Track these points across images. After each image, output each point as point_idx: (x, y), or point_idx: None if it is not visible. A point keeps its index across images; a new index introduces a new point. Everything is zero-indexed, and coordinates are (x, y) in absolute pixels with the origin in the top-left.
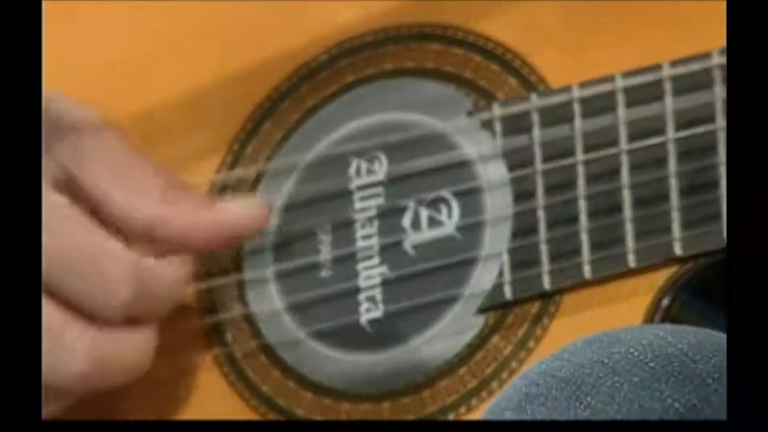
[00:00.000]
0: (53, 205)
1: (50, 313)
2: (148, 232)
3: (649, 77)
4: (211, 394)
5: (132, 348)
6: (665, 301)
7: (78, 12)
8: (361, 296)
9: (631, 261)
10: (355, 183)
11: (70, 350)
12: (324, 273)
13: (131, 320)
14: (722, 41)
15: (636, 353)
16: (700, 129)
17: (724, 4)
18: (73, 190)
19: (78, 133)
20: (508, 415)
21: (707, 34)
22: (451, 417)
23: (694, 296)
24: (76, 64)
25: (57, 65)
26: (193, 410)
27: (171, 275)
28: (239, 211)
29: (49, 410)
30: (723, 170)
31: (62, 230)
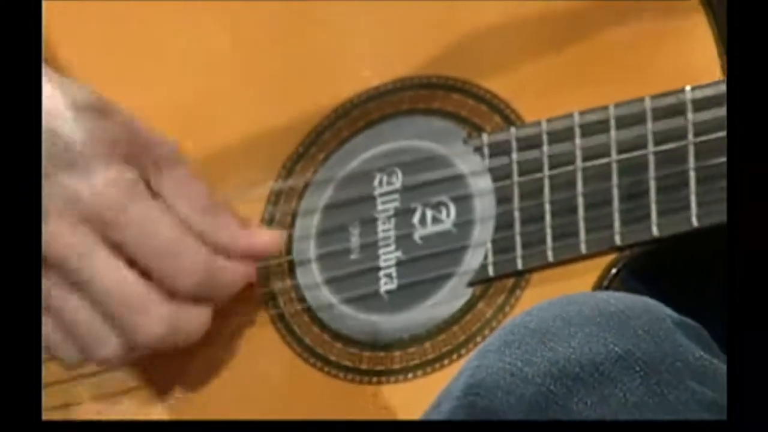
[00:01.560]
0: (143, 195)
1: (134, 281)
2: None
3: (598, 116)
4: (268, 346)
5: (197, 321)
6: (607, 279)
7: (153, 66)
8: (381, 273)
9: (583, 248)
10: (378, 191)
11: (152, 316)
12: (353, 256)
13: (197, 299)
14: (664, 87)
15: (587, 311)
16: (636, 153)
17: (669, 55)
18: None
19: (152, 148)
20: (491, 356)
21: (645, 83)
22: (446, 362)
23: (628, 275)
24: (153, 106)
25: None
26: (254, 358)
27: (233, 274)
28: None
29: (124, 360)
30: (653, 183)
31: (151, 216)
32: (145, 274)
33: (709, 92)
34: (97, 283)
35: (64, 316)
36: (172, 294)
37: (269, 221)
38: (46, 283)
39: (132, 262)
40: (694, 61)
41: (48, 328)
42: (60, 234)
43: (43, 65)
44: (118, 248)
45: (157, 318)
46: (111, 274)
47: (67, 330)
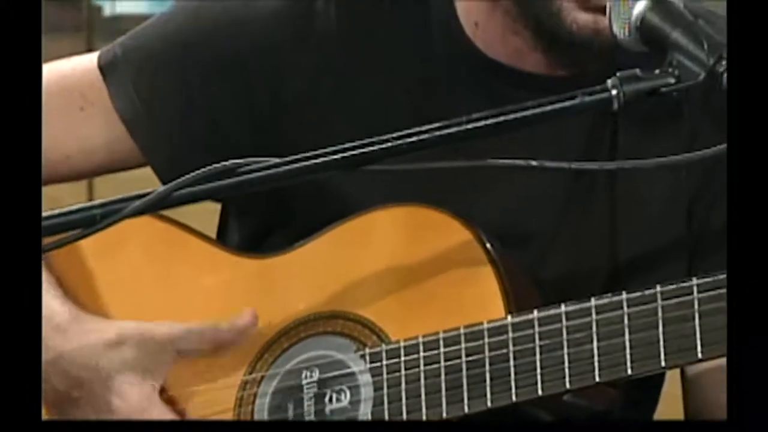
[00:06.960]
0: (156, 402)
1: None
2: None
3: (428, 338)
4: None
5: None
6: None
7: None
8: None
9: (444, 414)
10: (304, 382)
11: None
12: (289, 418)
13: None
14: (469, 314)
15: None
16: (474, 358)
17: (470, 293)
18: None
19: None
20: None
21: (458, 311)
22: None
23: None
24: (172, 313)
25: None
26: None
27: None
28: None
29: None
30: (488, 375)
31: (164, 416)
32: None
33: (524, 317)
34: None
35: None
36: None
37: (240, 399)
38: None
39: None
40: (484, 297)
41: None
42: None
43: (79, 314)
44: None
45: None
46: None
47: None
